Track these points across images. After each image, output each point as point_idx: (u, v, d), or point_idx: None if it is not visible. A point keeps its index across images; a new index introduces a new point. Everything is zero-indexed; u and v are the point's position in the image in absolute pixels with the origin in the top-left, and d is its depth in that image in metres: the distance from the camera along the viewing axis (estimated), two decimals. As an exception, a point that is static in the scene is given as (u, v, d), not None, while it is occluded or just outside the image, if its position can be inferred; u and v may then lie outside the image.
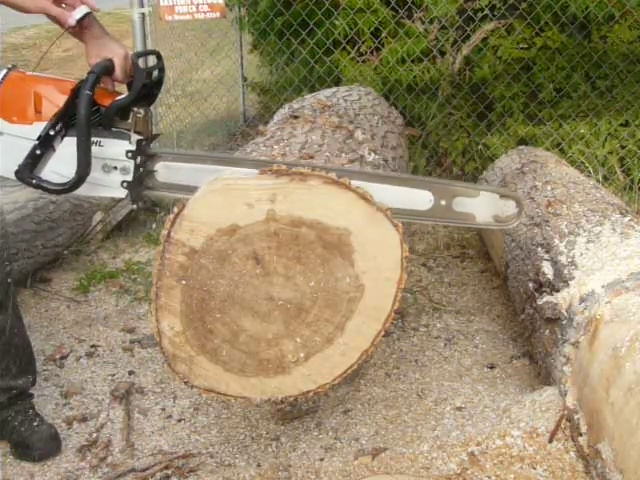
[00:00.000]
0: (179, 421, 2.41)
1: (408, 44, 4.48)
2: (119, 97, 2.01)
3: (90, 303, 3.26)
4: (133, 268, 3.58)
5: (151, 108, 2.14)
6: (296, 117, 2.47)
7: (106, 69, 1.99)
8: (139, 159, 2.01)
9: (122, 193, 2.05)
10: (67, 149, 1.96)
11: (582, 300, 2.15)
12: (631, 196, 4.06)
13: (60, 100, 1.96)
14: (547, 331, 2.31)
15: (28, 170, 1.98)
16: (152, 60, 2.30)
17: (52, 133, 1.97)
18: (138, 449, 2.29)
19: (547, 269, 2.41)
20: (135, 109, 2.01)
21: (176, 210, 1.89)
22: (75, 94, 1.94)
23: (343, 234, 1.87)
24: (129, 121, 2.01)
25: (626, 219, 2.49)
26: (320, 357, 1.96)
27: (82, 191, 2.01)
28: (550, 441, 1.99)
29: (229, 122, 5.74)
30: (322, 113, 2.56)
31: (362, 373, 2.59)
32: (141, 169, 2.02)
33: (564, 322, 2.19)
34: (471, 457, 2.00)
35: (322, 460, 2.14)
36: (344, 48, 4.53)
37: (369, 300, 1.92)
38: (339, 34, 4.46)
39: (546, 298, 2.35)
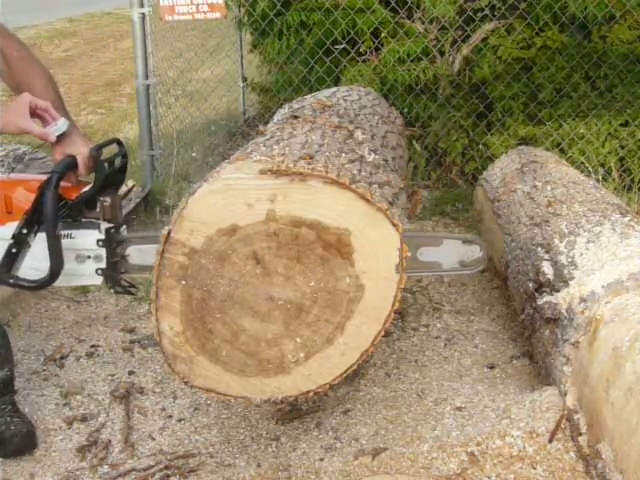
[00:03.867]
0: (179, 421, 2.41)
1: (408, 44, 4.49)
2: (84, 189, 2.09)
3: (90, 303, 3.26)
4: (133, 268, 3.57)
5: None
6: (296, 117, 2.47)
7: (69, 166, 2.07)
8: (110, 246, 2.09)
9: (98, 280, 2.14)
10: (41, 244, 2.05)
11: (582, 300, 2.15)
12: (631, 196, 4.06)
13: (29, 199, 2.05)
14: (547, 331, 2.31)
15: (5, 270, 2.07)
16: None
17: (25, 231, 2.06)
18: (138, 449, 2.28)
19: (547, 269, 2.41)
20: (102, 198, 2.09)
21: (178, 210, 1.90)
22: (41, 190, 2.03)
23: (343, 234, 1.88)
24: (97, 210, 2.10)
25: (626, 219, 2.49)
26: (320, 357, 1.97)
27: (59, 283, 2.11)
28: (550, 441, 1.99)
29: (229, 122, 5.74)
30: (322, 113, 2.56)
31: (362, 373, 2.59)
32: (113, 255, 2.10)
33: (564, 322, 2.19)
34: (471, 457, 2.00)
35: (322, 460, 2.14)
36: (344, 48, 4.53)
37: (369, 300, 1.92)
38: (339, 34, 4.46)
39: (546, 298, 2.35)
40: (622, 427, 1.70)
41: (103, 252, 2.10)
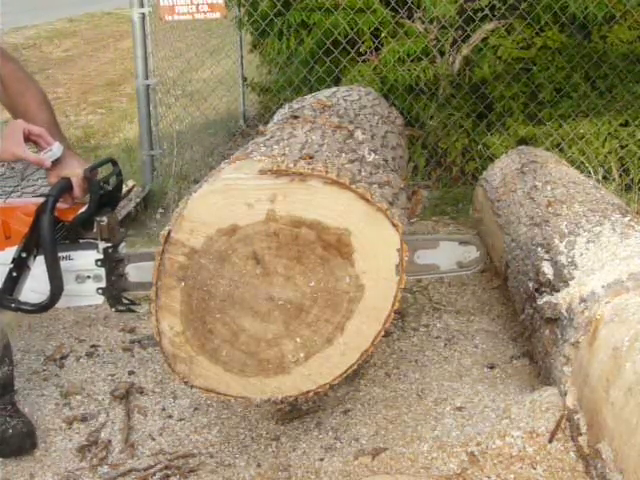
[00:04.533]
0: (179, 421, 2.41)
1: (408, 44, 4.49)
2: (81, 210, 2.10)
3: (90, 303, 3.26)
4: (133, 268, 3.58)
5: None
6: (296, 117, 2.47)
7: (64, 189, 2.08)
8: (109, 265, 2.11)
9: (99, 300, 2.17)
10: (41, 267, 2.06)
11: (582, 300, 2.15)
12: (631, 196, 4.06)
13: (26, 224, 2.06)
14: (547, 331, 2.31)
15: (7, 294, 2.09)
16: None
17: (24, 255, 2.08)
18: (138, 449, 2.28)
19: (547, 269, 2.41)
20: (98, 218, 2.10)
21: (178, 210, 1.90)
22: (37, 215, 2.04)
23: (343, 234, 1.88)
24: (94, 230, 2.11)
25: (626, 219, 2.49)
26: (320, 357, 1.97)
27: (61, 304, 2.12)
28: (550, 441, 1.99)
29: (229, 122, 5.74)
30: (322, 113, 2.56)
31: (362, 373, 2.59)
32: (112, 274, 2.12)
33: (564, 322, 2.19)
34: (471, 457, 2.00)
35: (322, 460, 2.14)
36: (344, 48, 4.54)
37: (369, 300, 1.92)
38: (339, 34, 4.46)
39: (546, 298, 2.35)
40: (622, 427, 1.70)
41: (102, 272, 2.13)
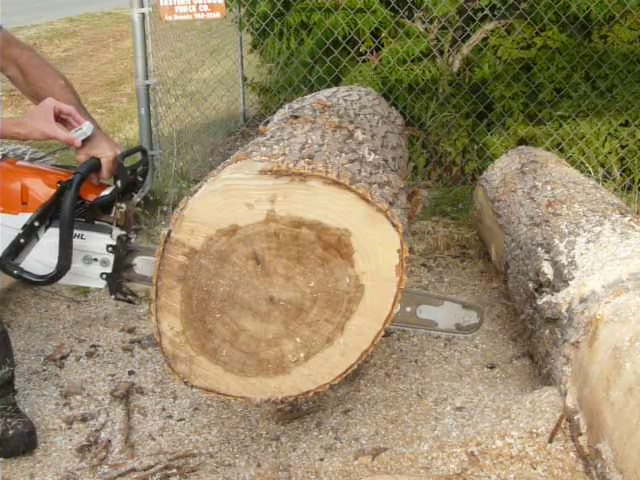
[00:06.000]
0: (179, 421, 2.41)
1: (408, 44, 4.49)
2: (103, 193, 2.09)
3: (90, 303, 3.25)
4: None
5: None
6: (296, 117, 2.47)
7: (92, 169, 2.06)
8: (119, 253, 2.10)
9: (101, 284, 2.14)
10: (50, 239, 2.04)
11: (582, 300, 2.15)
12: (631, 196, 4.06)
13: (46, 193, 2.04)
14: (547, 331, 2.31)
15: (10, 258, 2.06)
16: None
17: (37, 224, 2.05)
18: (138, 449, 2.28)
19: (547, 269, 2.41)
20: (118, 204, 2.08)
21: (178, 210, 1.90)
22: (61, 189, 2.02)
23: (343, 234, 1.87)
24: (112, 215, 2.09)
25: (626, 219, 2.49)
26: (320, 357, 1.97)
27: (62, 280, 2.10)
28: (550, 441, 1.99)
29: (229, 122, 5.74)
30: (322, 113, 2.56)
31: (362, 373, 2.59)
32: (120, 263, 2.10)
33: (564, 322, 2.19)
34: (471, 457, 2.00)
35: (322, 460, 2.14)
36: (344, 48, 4.54)
37: (369, 300, 1.92)
38: (339, 34, 4.46)
39: (546, 298, 2.35)
40: (622, 427, 1.70)
41: (111, 258, 2.11)
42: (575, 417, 1.97)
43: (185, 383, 2.02)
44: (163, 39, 4.49)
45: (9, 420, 2.26)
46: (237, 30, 5.62)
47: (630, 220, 2.48)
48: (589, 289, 2.15)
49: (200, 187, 1.90)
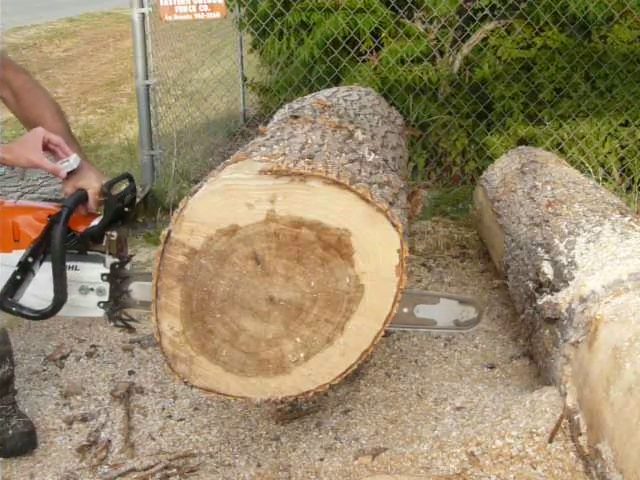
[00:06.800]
0: (179, 421, 2.41)
1: (408, 44, 4.49)
2: (92, 223, 2.10)
3: (90, 303, 3.25)
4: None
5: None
6: (296, 117, 2.47)
7: (80, 201, 2.08)
8: (114, 281, 2.11)
9: (99, 313, 2.15)
10: (46, 274, 2.06)
11: (582, 300, 2.15)
12: (631, 196, 4.06)
13: (37, 229, 2.06)
14: (547, 331, 2.31)
15: (8, 296, 2.08)
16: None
17: (31, 260, 2.07)
18: (138, 449, 2.29)
19: (547, 269, 2.41)
20: (108, 233, 2.10)
21: (178, 210, 1.90)
22: (50, 223, 2.03)
23: (343, 234, 1.87)
24: (103, 244, 2.11)
25: (626, 219, 2.49)
26: (320, 357, 1.97)
27: (60, 312, 2.11)
28: (550, 441, 1.99)
29: (229, 122, 5.74)
30: (322, 113, 2.56)
31: (362, 373, 2.59)
32: (116, 290, 2.11)
33: (564, 322, 2.19)
34: (471, 457, 2.00)
35: (322, 460, 2.15)
36: (344, 48, 4.53)
37: (369, 300, 1.92)
38: (339, 34, 4.46)
39: (546, 298, 2.35)
40: (622, 427, 1.70)
41: (106, 286, 2.12)
42: (575, 417, 1.97)
43: (185, 383, 2.02)
44: (163, 39, 4.49)
45: (9, 420, 2.26)
46: (237, 30, 5.62)
47: (630, 220, 2.48)
48: (589, 289, 2.15)
49: (200, 187, 1.90)
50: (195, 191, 1.90)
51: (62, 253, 2.02)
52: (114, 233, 2.10)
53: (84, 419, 2.43)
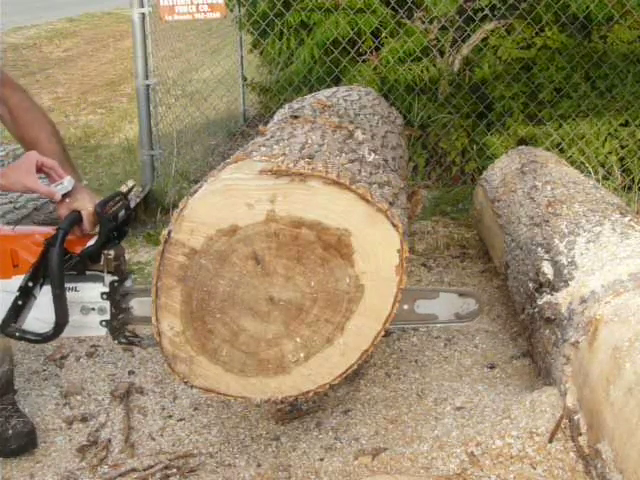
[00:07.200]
0: (179, 421, 2.41)
1: (408, 44, 4.49)
2: (89, 243, 2.11)
3: (90, 303, 3.25)
4: (133, 268, 3.57)
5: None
6: (296, 117, 2.47)
7: (74, 222, 2.09)
8: (114, 299, 2.11)
9: (102, 331, 2.16)
10: (47, 297, 2.06)
11: (582, 300, 2.15)
12: (631, 196, 4.06)
13: (34, 253, 2.07)
14: (547, 331, 2.31)
15: (12, 322, 2.09)
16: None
17: (31, 284, 2.08)
18: (138, 449, 2.29)
19: (547, 269, 2.41)
20: (105, 252, 2.11)
21: (178, 210, 1.90)
22: (47, 246, 2.04)
23: (343, 235, 1.87)
24: (101, 263, 2.11)
25: (626, 219, 2.49)
26: (320, 357, 1.97)
27: (64, 334, 2.12)
28: (550, 441, 1.99)
29: (229, 122, 5.74)
30: (322, 113, 2.56)
31: (362, 373, 2.59)
32: (117, 308, 2.12)
33: (564, 322, 2.19)
34: (471, 457, 2.00)
35: (322, 460, 2.15)
36: (344, 48, 4.54)
37: (369, 300, 1.92)
38: (339, 34, 4.46)
39: (546, 298, 2.35)
40: (622, 427, 1.70)
41: (107, 305, 2.13)
42: (575, 417, 1.97)
43: (185, 383, 2.02)
44: (163, 39, 4.49)
45: (9, 420, 2.26)
46: (237, 30, 5.62)
47: (630, 220, 2.48)
48: (589, 289, 2.15)
49: (200, 187, 1.90)
50: (195, 191, 1.90)
51: (60, 275, 2.03)
52: (111, 252, 2.11)
53: (84, 419, 2.43)
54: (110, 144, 5.83)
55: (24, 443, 2.26)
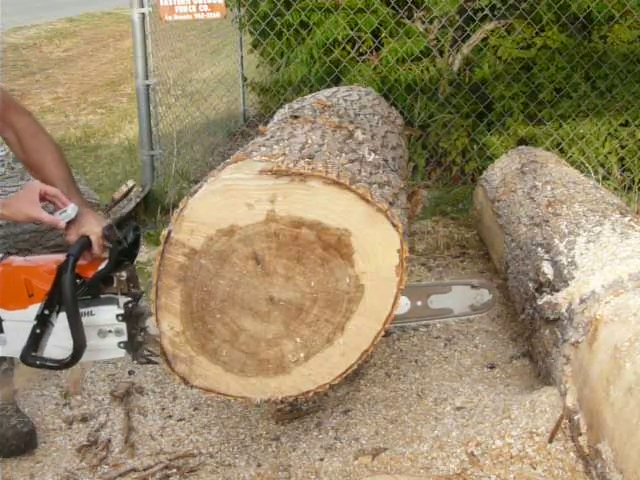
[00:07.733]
0: (179, 421, 2.42)
1: (408, 44, 4.49)
2: (100, 267, 2.11)
3: (90, 303, 3.25)
4: (133, 268, 3.57)
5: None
6: (296, 117, 2.47)
7: (84, 248, 2.09)
8: (130, 320, 2.12)
9: (121, 353, 2.16)
10: (63, 323, 2.07)
11: (582, 300, 2.15)
12: (631, 196, 4.06)
13: (48, 281, 2.07)
14: (547, 331, 2.31)
15: (32, 351, 2.10)
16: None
17: (47, 312, 2.08)
18: (138, 449, 2.29)
19: (547, 269, 2.41)
20: (117, 274, 2.11)
21: (178, 210, 1.90)
22: (59, 273, 2.05)
23: (343, 235, 1.88)
24: (114, 285, 2.12)
25: (626, 219, 2.49)
26: (320, 357, 1.97)
27: (83, 359, 2.12)
28: (550, 441, 1.99)
29: (229, 122, 5.74)
30: (322, 113, 2.56)
31: (362, 373, 2.59)
32: (133, 328, 2.13)
33: (564, 322, 2.19)
34: (471, 457, 2.00)
35: (322, 460, 2.15)
36: (344, 48, 4.54)
37: (369, 300, 1.92)
38: (339, 34, 4.46)
39: (546, 298, 2.35)
40: (622, 427, 1.70)
41: (123, 326, 2.13)
42: (575, 417, 1.97)
43: (185, 383, 2.02)
44: (163, 39, 4.49)
45: (9, 420, 2.26)
46: (237, 30, 5.62)
47: (630, 220, 2.48)
48: (589, 289, 2.15)
49: (200, 187, 1.91)
50: (195, 191, 1.90)
51: (74, 301, 2.04)
52: (123, 273, 2.11)
53: (84, 419, 2.43)
54: (110, 144, 5.83)
55: (24, 443, 2.26)
